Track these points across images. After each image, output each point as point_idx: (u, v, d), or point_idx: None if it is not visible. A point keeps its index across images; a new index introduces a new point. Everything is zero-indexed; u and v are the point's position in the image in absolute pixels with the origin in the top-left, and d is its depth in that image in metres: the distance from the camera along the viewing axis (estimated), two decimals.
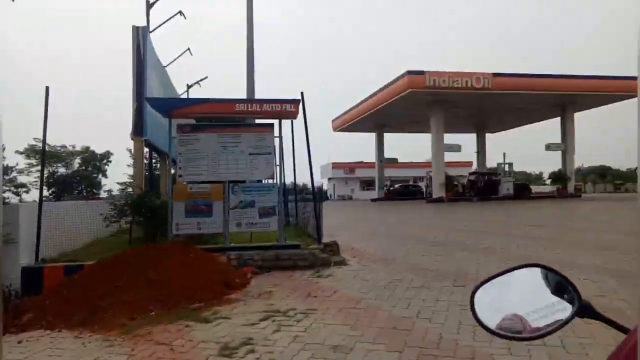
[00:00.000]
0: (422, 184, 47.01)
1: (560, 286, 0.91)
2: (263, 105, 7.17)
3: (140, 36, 9.29)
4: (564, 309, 0.87)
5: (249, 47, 24.56)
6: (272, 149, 7.48)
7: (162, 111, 7.00)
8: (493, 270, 1.23)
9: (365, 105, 34.61)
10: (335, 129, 44.23)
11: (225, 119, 7.81)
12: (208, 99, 7.32)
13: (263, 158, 7.44)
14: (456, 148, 33.40)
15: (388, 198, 42.81)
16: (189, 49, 14.58)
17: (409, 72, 27.70)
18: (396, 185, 48.57)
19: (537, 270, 0.94)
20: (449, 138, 35.54)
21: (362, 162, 58.38)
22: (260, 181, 7.62)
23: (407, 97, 28.55)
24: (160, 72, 10.69)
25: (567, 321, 0.85)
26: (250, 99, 7.17)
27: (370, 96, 33.47)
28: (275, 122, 7.59)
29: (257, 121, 8.03)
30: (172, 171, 7.34)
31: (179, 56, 14.62)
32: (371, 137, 43.94)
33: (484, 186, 33.75)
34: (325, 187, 71.01)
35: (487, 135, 42.88)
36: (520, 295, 0.92)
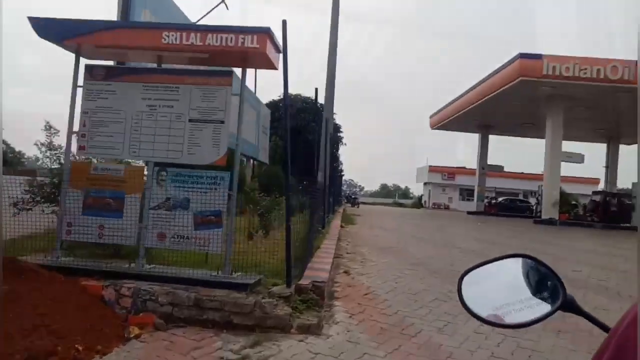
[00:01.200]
0: (533, 200, 40.69)
1: (547, 278, 0.91)
2: (207, 36, 4.16)
3: None
4: (548, 302, 0.88)
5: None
6: (225, 115, 4.44)
7: (51, 38, 4.39)
8: None
9: (467, 97, 29.67)
10: (432, 126, 39.65)
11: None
12: (117, 22, 4.50)
13: (210, 129, 4.44)
14: (577, 158, 27.20)
15: (488, 212, 37.32)
16: (223, 0, 11.87)
17: (522, 55, 22.48)
18: (500, 199, 42.56)
19: (525, 260, 0.95)
20: (570, 146, 29.39)
21: (464, 167, 52.61)
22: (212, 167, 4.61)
23: (517, 88, 23.33)
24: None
25: (550, 314, 0.86)
26: (188, 25, 4.19)
27: (474, 87, 28.48)
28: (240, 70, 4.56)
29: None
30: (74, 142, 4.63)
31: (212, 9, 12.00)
32: (475, 139, 38.68)
33: (611, 210, 27.07)
34: (420, 193, 66.14)
35: (622, 147, 35.05)
36: (506, 285, 0.93)
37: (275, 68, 4.64)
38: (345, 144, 31.06)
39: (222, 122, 4.43)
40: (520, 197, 47.44)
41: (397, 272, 7.35)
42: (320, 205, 11.77)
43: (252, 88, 19.96)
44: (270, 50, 4.34)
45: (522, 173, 51.65)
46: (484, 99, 26.90)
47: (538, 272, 0.93)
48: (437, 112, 37.92)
